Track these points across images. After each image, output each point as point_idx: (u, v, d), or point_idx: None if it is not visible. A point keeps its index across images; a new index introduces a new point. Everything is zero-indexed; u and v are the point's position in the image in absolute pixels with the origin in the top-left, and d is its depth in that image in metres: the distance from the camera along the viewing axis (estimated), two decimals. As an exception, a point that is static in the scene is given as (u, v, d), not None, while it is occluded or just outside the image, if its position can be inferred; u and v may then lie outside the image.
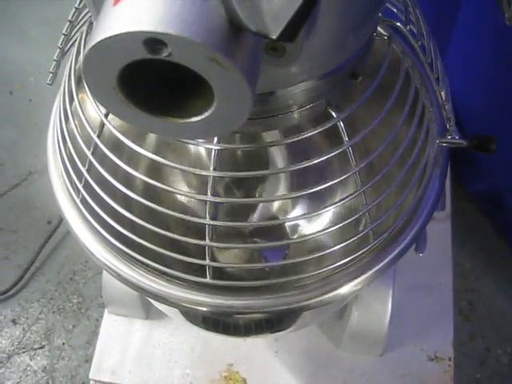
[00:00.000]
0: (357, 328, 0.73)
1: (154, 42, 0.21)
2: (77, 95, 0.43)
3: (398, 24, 0.40)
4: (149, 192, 0.48)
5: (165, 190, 0.39)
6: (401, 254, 0.46)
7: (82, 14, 0.43)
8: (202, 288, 0.45)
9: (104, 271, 0.72)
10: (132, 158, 0.48)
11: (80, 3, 0.43)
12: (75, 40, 0.44)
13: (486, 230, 0.98)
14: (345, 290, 0.47)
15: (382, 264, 0.46)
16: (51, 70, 0.49)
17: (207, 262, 0.41)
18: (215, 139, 0.36)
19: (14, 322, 0.96)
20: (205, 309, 0.46)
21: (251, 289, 0.46)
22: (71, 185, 0.45)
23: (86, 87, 0.24)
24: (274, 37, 0.20)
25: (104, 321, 0.79)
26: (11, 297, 0.98)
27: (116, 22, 0.21)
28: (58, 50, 0.47)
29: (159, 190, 0.39)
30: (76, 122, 0.44)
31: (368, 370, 0.78)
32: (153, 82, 0.24)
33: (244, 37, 0.22)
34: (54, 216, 1.02)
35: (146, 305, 0.77)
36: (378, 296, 0.72)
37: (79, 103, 0.42)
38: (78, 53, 0.43)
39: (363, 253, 0.46)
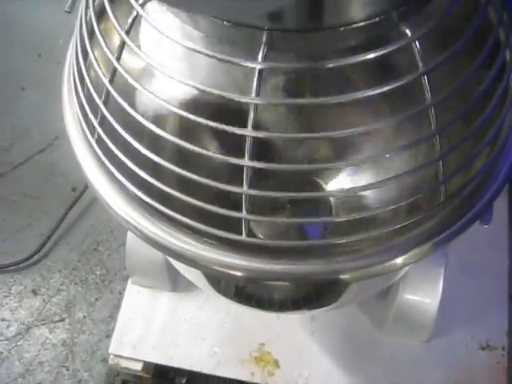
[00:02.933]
0: (403, 309, 0.67)
1: None
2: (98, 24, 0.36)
3: None
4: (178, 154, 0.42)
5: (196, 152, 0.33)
6: (474, 218, 0.39)
7: None
8: (237, 249, 0.39)
9: (128, 234, 0.67)
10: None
11: None
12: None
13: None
14: (402, 259, 0.40)
15: (455, 226, 0.38)
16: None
17: (244, 214, 0.34)
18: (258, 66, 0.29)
19: (34, 292, 0.92)
20: (240, 273, 0.39)
21: (293, 251, 0.39)
22: (87, 124, 0.39)
23: None
24: None
25: (127, 292, 0.74)
26: (32, 265, 0.93)
27: None
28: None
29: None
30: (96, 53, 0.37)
31: (412, 357, 0.71)
32: None
33: None
34: (79, 183, 0.98)
35: (173, 275, 0.71)
36: (429, 275, 0.66)
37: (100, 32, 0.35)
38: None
39: (429, 214, 0.38)
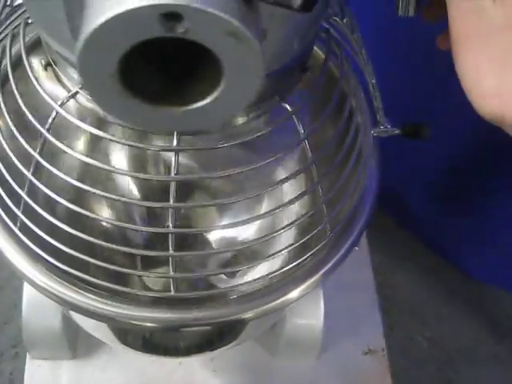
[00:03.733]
0: (293, 333, 0.73)
1: (170, 16, 0.19)
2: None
3: (335, 18, 0.41)
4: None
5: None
6: (353, 244, 0.47)
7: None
8: (148, 303, 0.43)
9: (23, 306, 0.67)
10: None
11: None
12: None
13: (391, 228, 1.03)
14: (295, 294, 0.46)
15: (337, 256, 0.46)
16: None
17: (171, 274, 0.39)
18: (174, 141, 0.34)
19: None
20: (153, 324, 0.43)
21: (197, 301, 0.44)
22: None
23: (80, 78, 0.22)
24: (296, 6, 0.20)
25: (27, 369, 0.72)
26: None
27: (127, -2, 0.19)
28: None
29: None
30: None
31: (307, 374, 0.78)
32: (146, 70, 0.23)
33: (254, 8, 0.21)
34: None
35: (72, 341, 0.71)
36: (310, 298, 0.73)
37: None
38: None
39: (316, 250, 0.46)
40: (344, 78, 0.40)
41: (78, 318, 0.60)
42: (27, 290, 0.65)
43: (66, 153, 0.36)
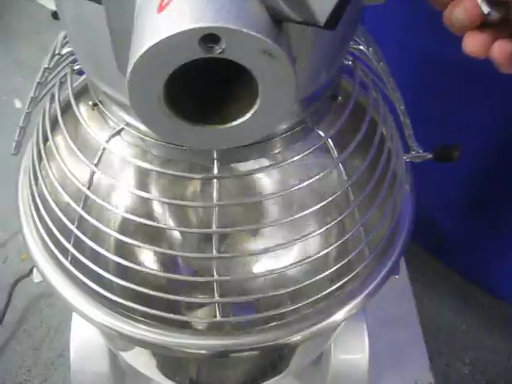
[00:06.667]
0: (338, 369, 0.73)
1: (209, 38, 0.21)
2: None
3: (361, 47, 0.43)
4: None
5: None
6: (394, 265, 0.48)
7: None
8: (196, 332, 0.45)
9: (72, 354, 0.69)
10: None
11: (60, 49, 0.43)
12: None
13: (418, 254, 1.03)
14: (340, 315, 0.47)
15: (378, 278, 0.47)
16: (16, 138, 0.48)
17: (216, 299, 0.40)
18: (215, 170, 0.36)
19: None
20: (205, 351, 0.44)
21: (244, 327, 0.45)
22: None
23: (130, 101, 0.24)
24: (322, 24, 0.22)
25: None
26: None
27: (169, 24, 0.21)
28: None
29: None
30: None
31: (354, 412, 0.77)
32: (188, 91, 0.25)
33: (284, 28, 0.23)
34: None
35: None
36: (355, 332, 0.73)
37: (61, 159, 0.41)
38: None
39: (357, 272, 0.47)
40: (372, 105, 0.42)
41: (127, 356, 0.62)
42: (75, 336, 0.67)
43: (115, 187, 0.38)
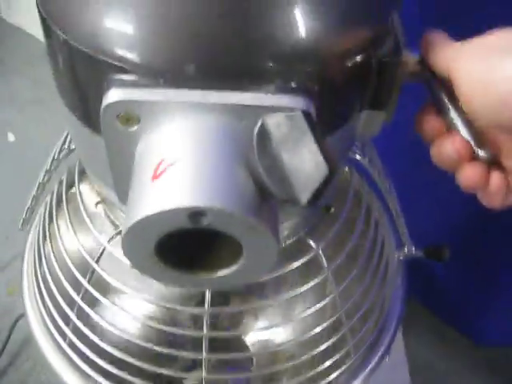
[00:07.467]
0: None
1: (197, 213, 0.23)
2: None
3: (357, 156, 0.45)
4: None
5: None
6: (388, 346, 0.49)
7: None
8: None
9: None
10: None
11: (59, 154, 0.45)
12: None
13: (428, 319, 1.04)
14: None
15: (374, 362, 0.48)
16: (24, 215, 0.51)
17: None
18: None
19: None
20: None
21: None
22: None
23: (125, 255, 0.26)
24: (303, 204, 0.24)
25: None
26: None
27: (160, 199, 0.23)
28: (33, 196, 0.49)
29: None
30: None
31: None
32: (180, 245, 0.27)
33: (270, 201, 0.25)
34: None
35: None
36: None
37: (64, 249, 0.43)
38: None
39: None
40: (364, 216, 0.44)
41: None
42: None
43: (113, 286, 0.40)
